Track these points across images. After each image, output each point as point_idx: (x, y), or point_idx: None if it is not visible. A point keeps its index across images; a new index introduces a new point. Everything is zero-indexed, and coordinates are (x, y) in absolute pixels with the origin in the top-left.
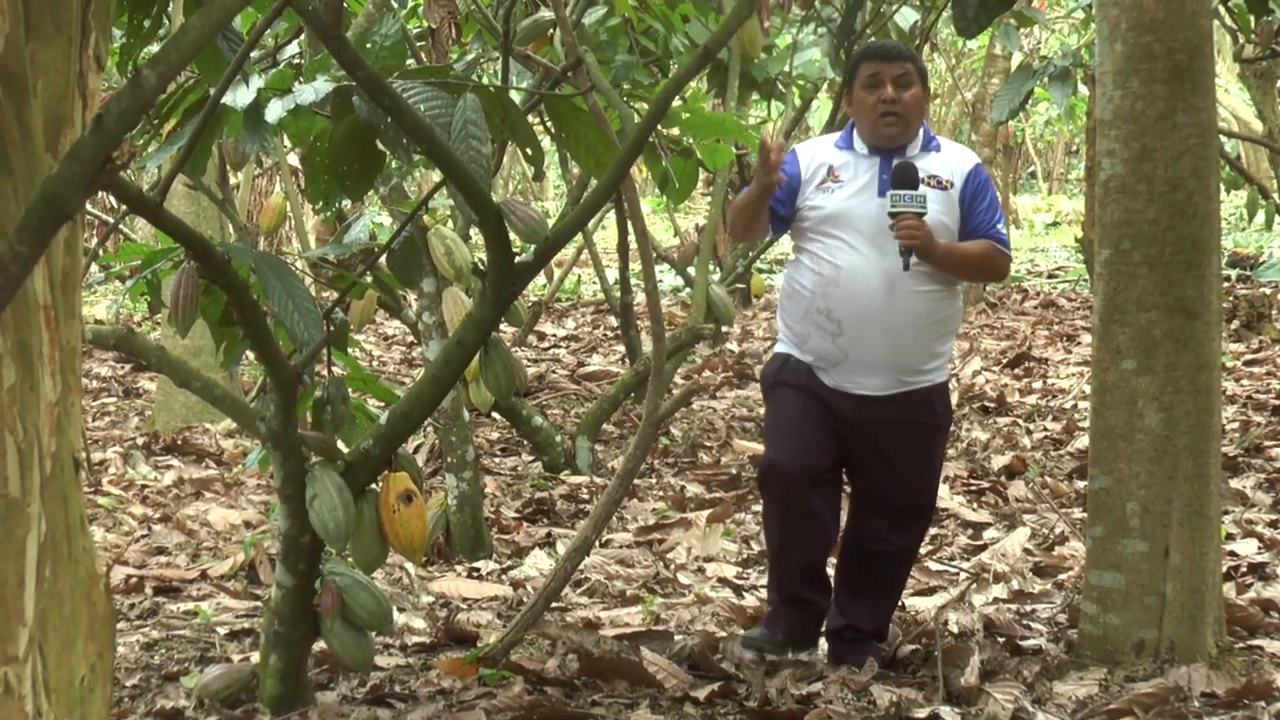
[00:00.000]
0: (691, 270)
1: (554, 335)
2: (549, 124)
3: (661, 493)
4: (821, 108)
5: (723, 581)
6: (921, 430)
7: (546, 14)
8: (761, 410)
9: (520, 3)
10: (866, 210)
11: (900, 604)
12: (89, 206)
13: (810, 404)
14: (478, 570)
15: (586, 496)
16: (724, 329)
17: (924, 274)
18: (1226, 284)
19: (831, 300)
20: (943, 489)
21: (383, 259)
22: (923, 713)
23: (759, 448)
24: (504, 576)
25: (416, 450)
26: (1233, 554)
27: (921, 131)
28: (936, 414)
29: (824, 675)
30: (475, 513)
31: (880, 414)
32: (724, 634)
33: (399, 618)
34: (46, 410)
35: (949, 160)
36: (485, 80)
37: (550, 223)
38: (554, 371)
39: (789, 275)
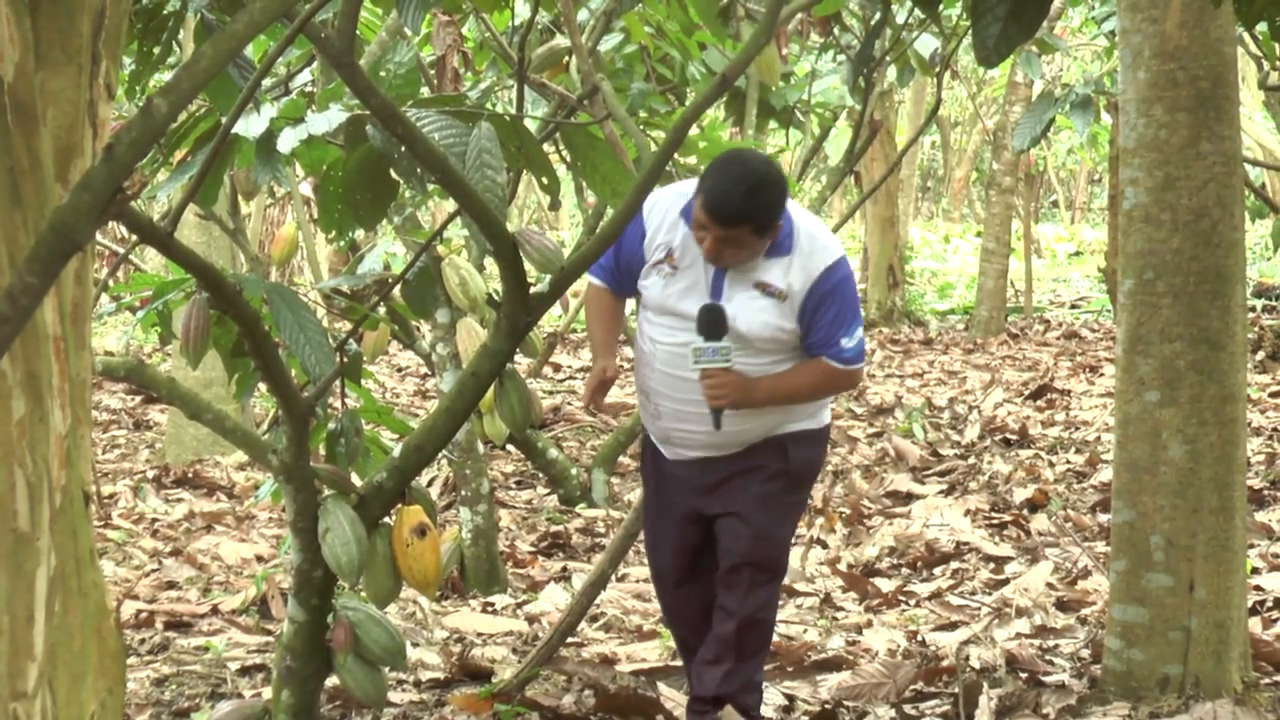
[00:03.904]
0: None
1: (570, 367)
2: (564, 152)
3: None
4: (840, 136)
5: None
6: (766, 474)
7: (562, 41)
8: None
9: (535, 30)
10: (694, 307)
11: (920, 642)
12: (99, 237)
13: (665, 491)
14: (492, 605)
15: (603, 530)
16: None
17: (755, 349)
18: (1251, 315)
19: (650, 380)
20: (963, 522)
21: (396, 290)
22: None
23: None
24: (519, 611)
25: (431, 483)
26: (1258, 588)
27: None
28: (789, 459)
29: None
30: (490, 546)
31: (726, 467)
32: None
33: (413, 653)
34: (56, 443)
35: (796, 266)
36: (500, 108)
37: (566, 253)
38: (569, 403)
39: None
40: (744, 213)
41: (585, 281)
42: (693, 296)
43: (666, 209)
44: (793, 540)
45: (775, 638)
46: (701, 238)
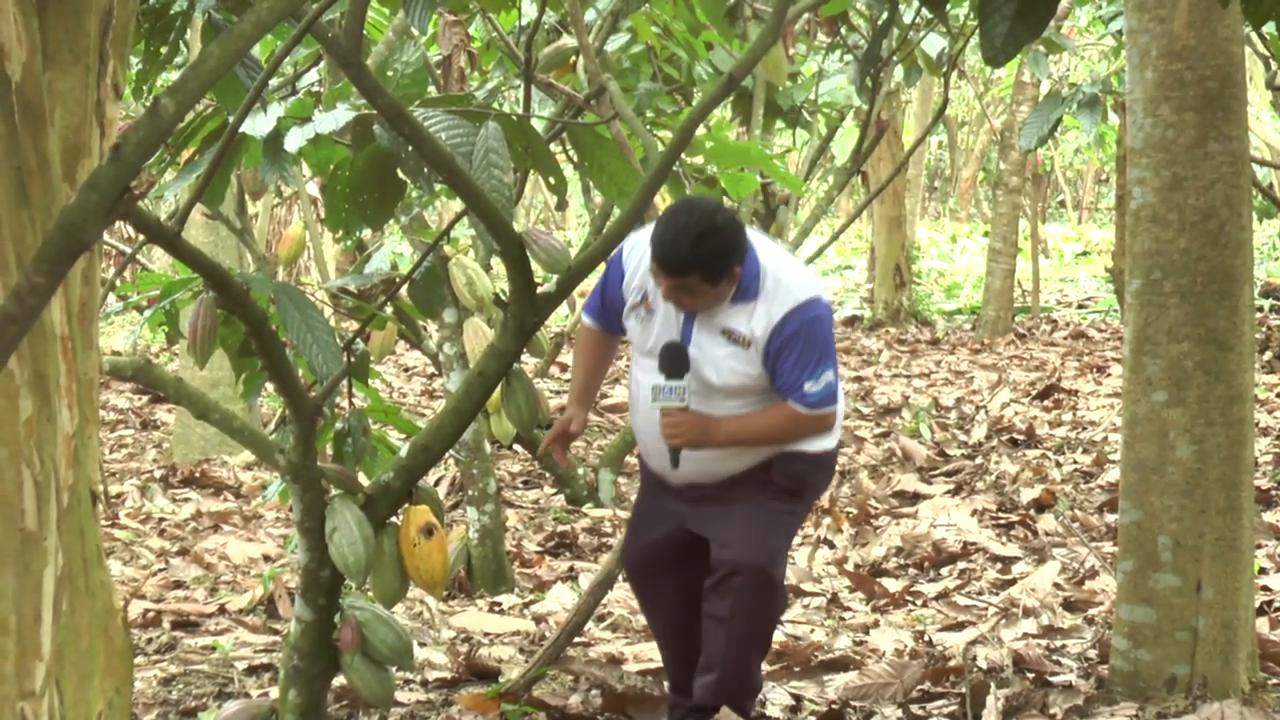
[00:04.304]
0: None
1: None
2: (572, 152)
3: None
4: (847, 135)
5: None
6: (750, 485)
7: (569, 41)
8: None
9: (542, 30)
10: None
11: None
12: (106, 236)
13: (654, 490)
14: (499, 604)
15: (609, 530)
16: None
17: (726, 394)
18: (1259, 315)
19: (637, 418)
20: (971, 522)
21: (403, 289)
22: None
23: None
24: (526, 611)
25: (437, 483)
26: (1266, 589)
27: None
28: (772, 472)
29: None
30: (497, 546)
31: (714, 487)
32: None
33: (419, 653)
34: (64, 442)
35: (759, 311)
36: (507, 108)
37: (573, 253)
38: None
39: None
40: (690, 262)
41: (591, 282)
42: (665, 340)
43: (643, 252)
44: (788, 552)
45: (782, 637)
46: (660, 283)
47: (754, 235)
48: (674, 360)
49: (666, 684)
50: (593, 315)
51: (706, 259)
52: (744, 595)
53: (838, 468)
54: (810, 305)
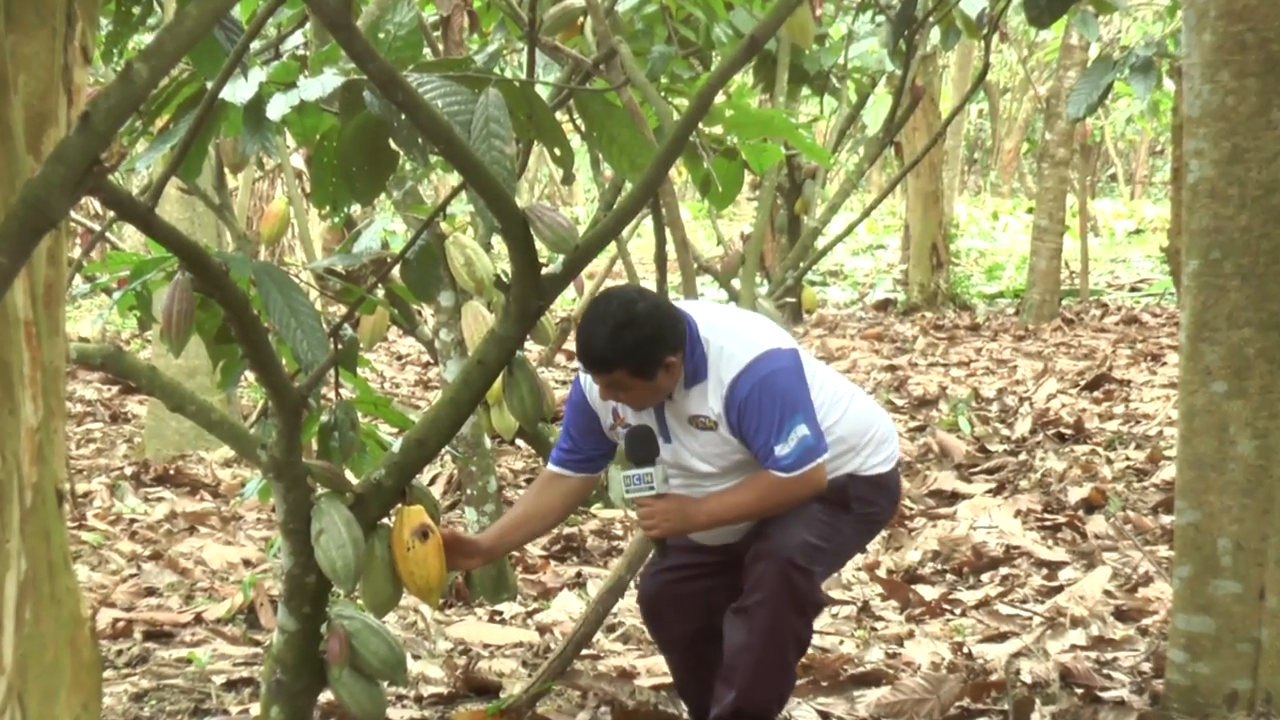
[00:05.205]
0: (736, 283)
1: None
2: (579, 122)
3: None
4: (879, 103)
5: None
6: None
7: (576, 1)
8: None
9: None
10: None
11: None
12: (74, 212)
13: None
14: (500, 613)
15: (620, 532)
16: None
17: (720, 476)
18: None
19: None
20: (1014, 524)
21: (396, 270)
22: None
23: None
24: (529, 620)
25: (433, 481)
26: None
27: (683, 371)
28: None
29: None
30: None
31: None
32: None
33: (413, 666)
34: (27, 436)
35: (712, 388)
36: (509, 74)
37: (580, 230)
38: None
39: None
40: (609, 357)
41: (600, 262)
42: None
43: None
44: (825, 553)
45: (809, 649)
46: (596, 383)
47: (694, 307)
48: (639, 446)
49: (686, 714)
50: (557, 454)
51: (627, 352)
52: (767, 581)
53: None
54: (758, 364)
